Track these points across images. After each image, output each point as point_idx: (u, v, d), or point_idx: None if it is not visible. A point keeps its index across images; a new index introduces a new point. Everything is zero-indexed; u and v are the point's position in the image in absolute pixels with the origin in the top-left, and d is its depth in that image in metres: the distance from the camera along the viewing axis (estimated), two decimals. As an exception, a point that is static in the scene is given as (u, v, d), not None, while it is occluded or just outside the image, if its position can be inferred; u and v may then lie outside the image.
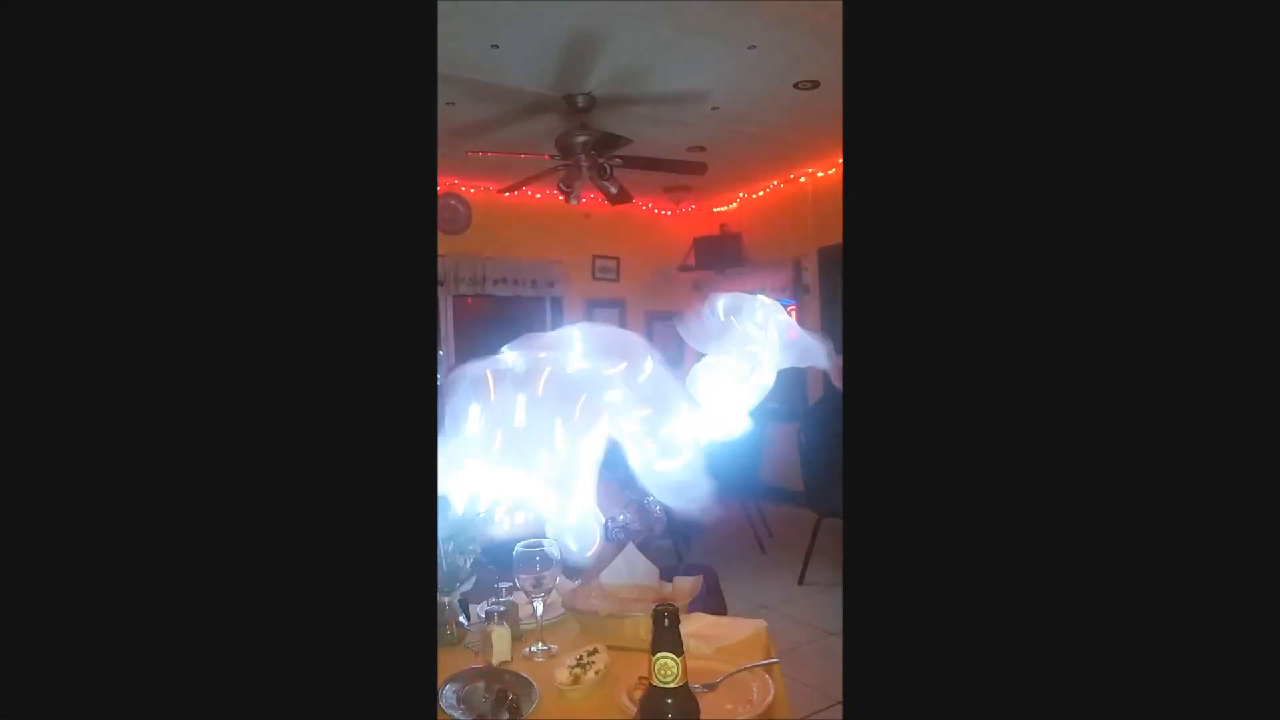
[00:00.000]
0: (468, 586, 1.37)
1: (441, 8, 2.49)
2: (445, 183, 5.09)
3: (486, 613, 1.34)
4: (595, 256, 5.82)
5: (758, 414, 1.73)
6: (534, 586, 1.25)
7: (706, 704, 0.94)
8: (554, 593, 1.33)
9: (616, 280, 5.91)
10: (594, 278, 5.83)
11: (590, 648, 1.15)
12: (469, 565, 1.33)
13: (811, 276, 5.30)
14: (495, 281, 5.30)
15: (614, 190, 3.86)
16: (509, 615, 1.31)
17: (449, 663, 1.17)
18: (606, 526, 1.73)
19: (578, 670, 1.10)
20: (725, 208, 6.01)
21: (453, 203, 5.14)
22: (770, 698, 1.05)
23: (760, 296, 1.78)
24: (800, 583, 3.57)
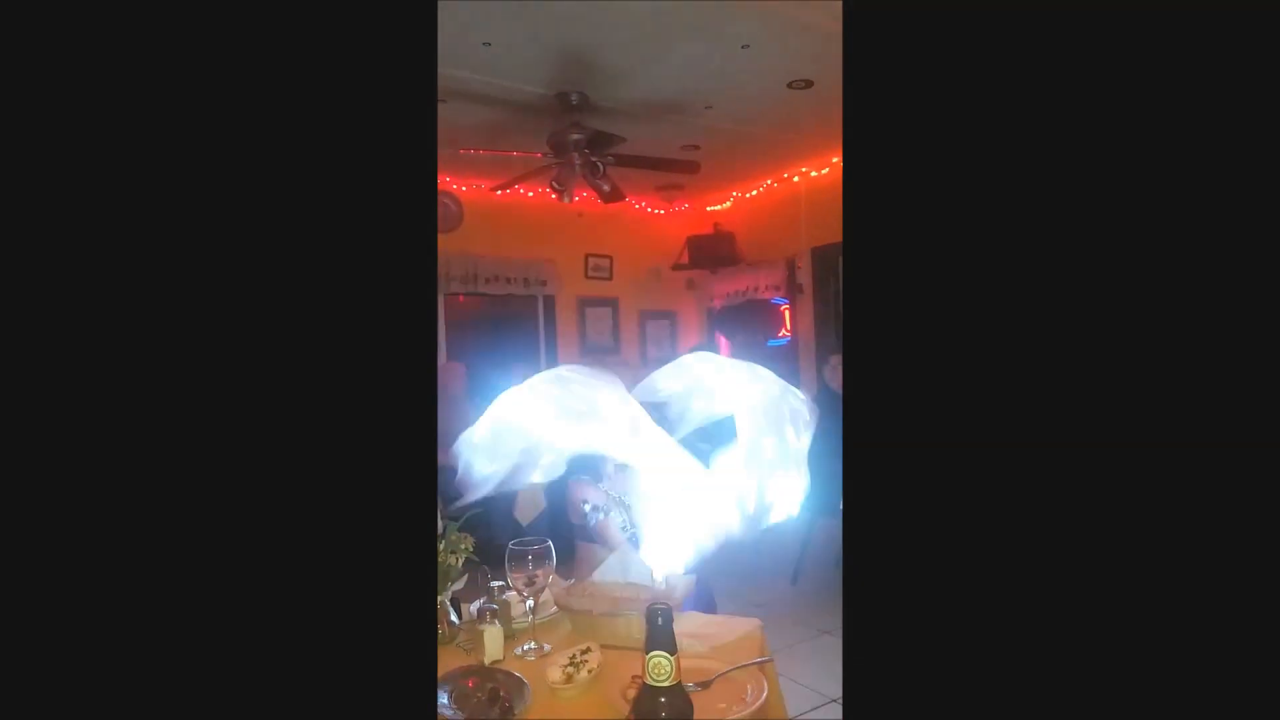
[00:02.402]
0: (459, 585, 1.36)
1: (434, 4, 2.48)
2: (438, 181, 5.08)
3: (478, 611, 1.33)
4: (588, 255, 5.80)
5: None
6: (526, 585, 1.24)
7: (700, 703, 0.93)
8: (547, 591, 1.32)
9: (609, 279, 5.90)
10: (587, 276, 5.82)
11: (583, 647, 1.14)
12: (460, 564, 1.33)
13: (805, 276, 5.31)
14: (487, 280, 5.29)
15: (607, 188, 3.85)
16: (501, 614, 1.30)
17: (441, 662, 1.16)
18: (588, 514, 1.76)
19: (571, 669, 1.09)
20: (719, 206, 6.00)
21: (445, 201, 5.12)
22: (764, 696, 1.05)
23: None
24: (794, 582, 3.57)
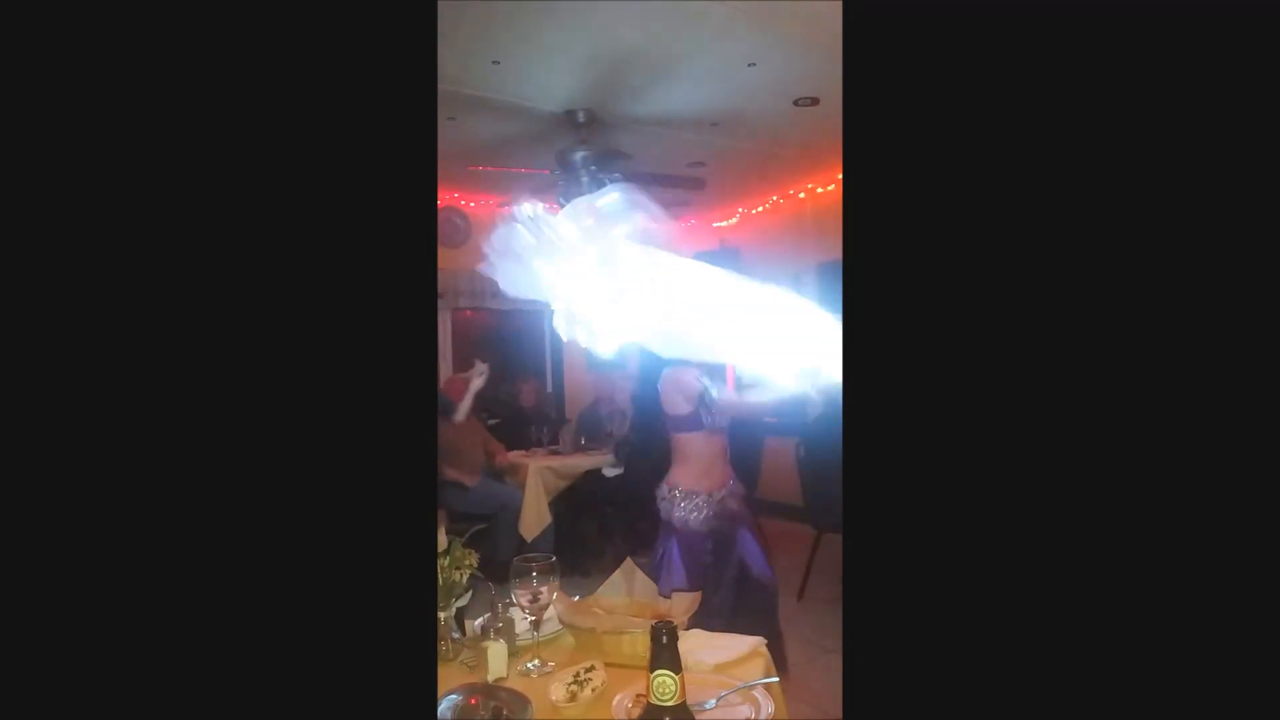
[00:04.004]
0: (464, 601, 1.35)
1: (443, 23, 2.51)
2: (445, 196, 5.11)
3: (482, 628, 1.32)
4: (595, 271, 5.82)
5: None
6: (531, 602, 1.24)
7: (705, 722, 0.92)
8: (551, 608, 1.31)
9: (616, 294, 5.92)
10: (593, 292, 5.84)
11: (587, 665, 1.13)
12: (465, 579, 1.32)
13: (811, 292, 5.31)
14: (494, 295, 5.31)
15: (614, 205, 3.87)
16: (505, 631, 1.29)
17: (444, 679, 1.15)
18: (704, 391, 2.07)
19: (575, 687, 1.08)
20: (725, 223, 6.02)
21: (453, 217, 5.15)
22: (769, 716, 1.04)
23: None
24: (799, 599, 3.54)
